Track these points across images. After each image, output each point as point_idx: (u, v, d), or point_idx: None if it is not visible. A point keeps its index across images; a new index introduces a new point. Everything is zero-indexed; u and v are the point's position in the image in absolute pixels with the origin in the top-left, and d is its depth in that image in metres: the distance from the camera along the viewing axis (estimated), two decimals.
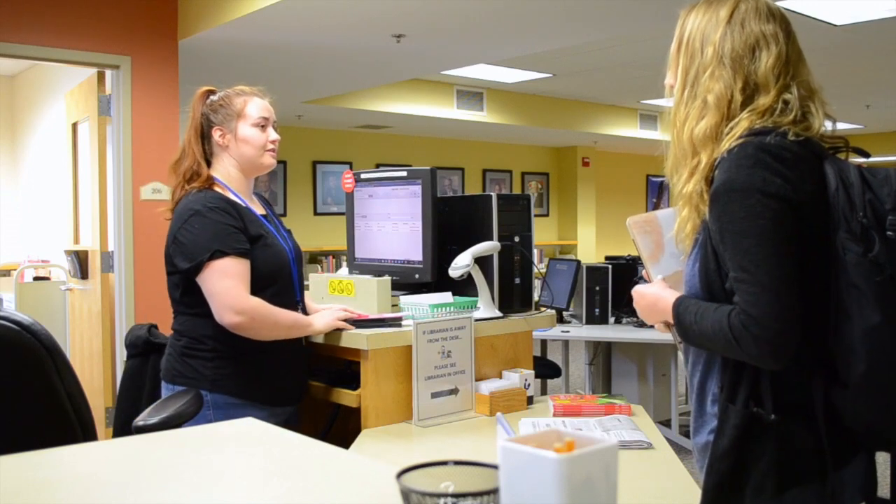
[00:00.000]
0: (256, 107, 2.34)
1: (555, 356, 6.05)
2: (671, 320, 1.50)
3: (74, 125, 5.25)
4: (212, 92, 2.40)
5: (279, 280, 2.30)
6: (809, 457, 1.38)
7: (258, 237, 2.25)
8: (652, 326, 1.65)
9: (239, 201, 2.30)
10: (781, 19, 1.50)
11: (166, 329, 2.75)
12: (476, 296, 2.55)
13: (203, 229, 2.18)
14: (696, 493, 1.73)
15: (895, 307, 1.31)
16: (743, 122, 1.44)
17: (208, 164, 2.35)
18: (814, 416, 1.37)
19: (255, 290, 2.21)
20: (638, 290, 1.62)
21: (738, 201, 1.36)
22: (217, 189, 2.30)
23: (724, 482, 1.41)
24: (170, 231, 2.28)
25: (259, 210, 2.38)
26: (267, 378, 2.26)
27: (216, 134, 2.33)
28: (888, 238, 1.32)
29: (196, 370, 2.23)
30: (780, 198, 1.35)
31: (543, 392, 5.65)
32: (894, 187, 1.35)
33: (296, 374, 2.36)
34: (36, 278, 6.17)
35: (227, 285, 2.15)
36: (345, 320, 2.36)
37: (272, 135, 2.36)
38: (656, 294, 1.57)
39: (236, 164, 2.35)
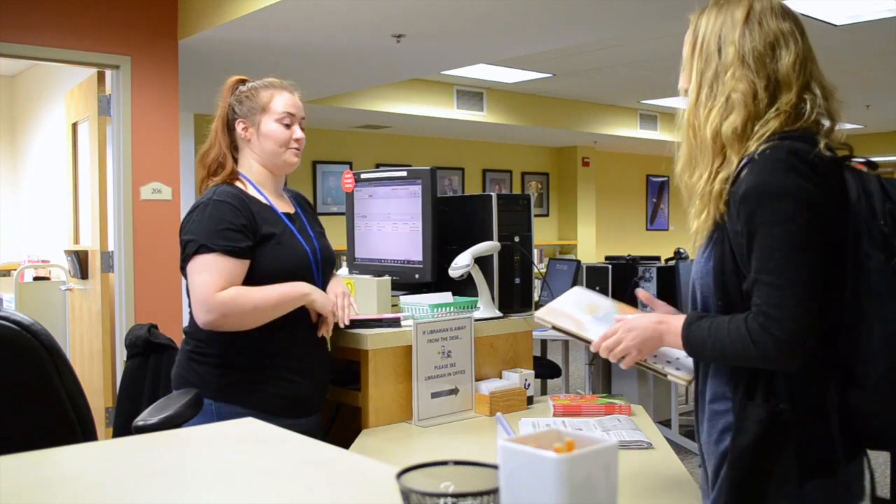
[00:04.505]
0: (283, 102, 2.24)
1: (555, 356, 6.05)
2: (679, 341, 1.51)
3: (74, 125, 5.25)
4: (242, 82, 2.30)
5: (294, 280, 2.16)
6: (824, 451, 1.41)
7: (270, 236, 2.14)
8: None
9: (261, 197, 2.21)
10: (794, 18, 1.51)
11: (166, 329, 2.75)
12: (476, 296, 2.55)
13: (198, 224, 2.10)
14: (697, 492, 1.73)
15: None
16: (772, 123, 1.45)
17: (235, 158, 2.26)
18: (826, 414, 1.41)
19: None
20: (624, 327, 1.59)
21: (769, 205, 1.38)
22: (238, 184, 2.21)
23: (749, 476, 1.44)
24: None
25: (285, 208, 2.27)
26: (279, 386, 2.14)
27: (239, 126, 2.24)
28: None
29: (201, 377, 2.13)
30: (811, 204, 1.37)
31: (543, 392, 5.65)
32: None
33: (313, 381, 2.22)
34: (36, 278, 6.17)
35: (201, 280, 2.05)
36: (346, 321, 2.26)
37: (297, 133, 2.25)
38: (658, 320, 1.57)
39: (259, 159, 2.25)
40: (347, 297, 2.30)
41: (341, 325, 2.26)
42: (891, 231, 1.36)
